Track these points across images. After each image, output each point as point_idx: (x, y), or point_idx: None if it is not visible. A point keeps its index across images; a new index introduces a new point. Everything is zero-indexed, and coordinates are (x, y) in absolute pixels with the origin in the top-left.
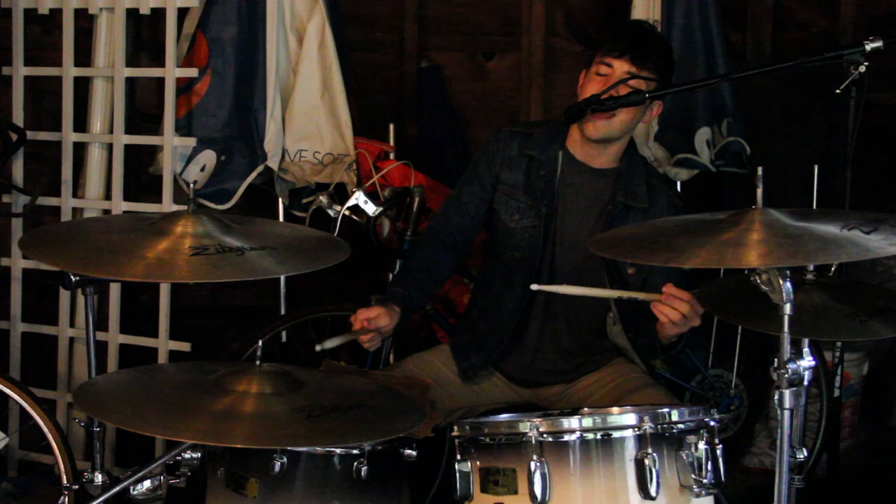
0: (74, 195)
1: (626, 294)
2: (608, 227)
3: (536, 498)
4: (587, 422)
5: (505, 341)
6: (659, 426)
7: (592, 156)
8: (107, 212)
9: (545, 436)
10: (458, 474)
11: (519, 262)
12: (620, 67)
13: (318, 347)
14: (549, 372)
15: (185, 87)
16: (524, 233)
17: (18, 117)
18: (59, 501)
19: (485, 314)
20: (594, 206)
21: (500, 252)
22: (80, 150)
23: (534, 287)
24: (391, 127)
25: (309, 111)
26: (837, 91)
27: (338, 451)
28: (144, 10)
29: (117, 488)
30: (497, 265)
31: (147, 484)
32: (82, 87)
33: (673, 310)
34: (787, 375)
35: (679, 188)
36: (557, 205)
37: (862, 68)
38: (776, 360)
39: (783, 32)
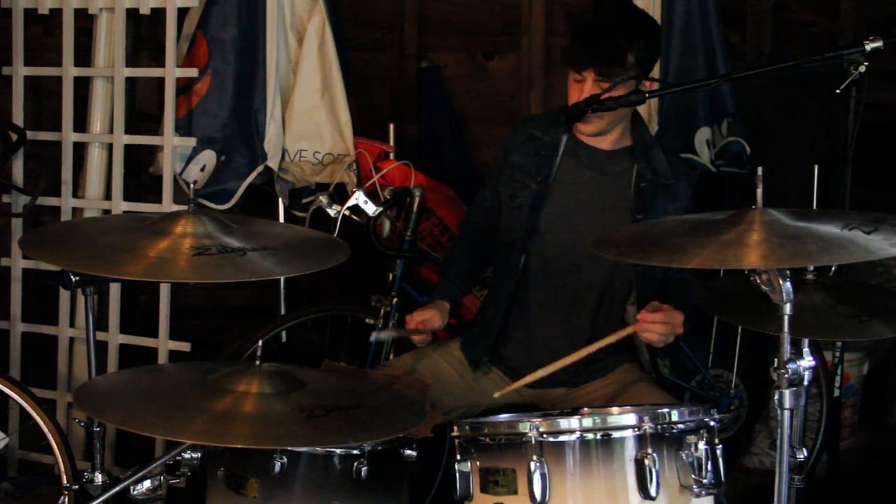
0: (74, 195)
1: (599, 345)
2: (641, 207)
3: (536, 498)
4: (587, 422)
5: (499, 326)
6: (659, 426)
7: (597, 139)
8: (107, 212)
9: (545, 436)
10: (458, 474)
11: (510, 244)
12: (590, 76)
13: (372, 337)
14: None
15: (185, 87)
16: (515, 213)
17: (18, 117)
18: (59, 501)
19: (485, 302)
20: (613, 187)
21: (500, 237)
22: (80, 150)
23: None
24: (391, 127)
25: (309, 111)
26: (837, 91)
27: (338, 451)
28: (144, 10)
29: (117, 488)
30: (496, 252)
31: (147, 484)
32: (82, 87)
33: (653, 332)
34: (787, 375)
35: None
36: (552, 184)
37: (862, 68)
38: (776, 360)
39: (783, 32)
